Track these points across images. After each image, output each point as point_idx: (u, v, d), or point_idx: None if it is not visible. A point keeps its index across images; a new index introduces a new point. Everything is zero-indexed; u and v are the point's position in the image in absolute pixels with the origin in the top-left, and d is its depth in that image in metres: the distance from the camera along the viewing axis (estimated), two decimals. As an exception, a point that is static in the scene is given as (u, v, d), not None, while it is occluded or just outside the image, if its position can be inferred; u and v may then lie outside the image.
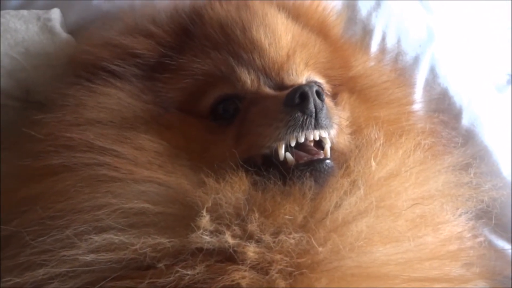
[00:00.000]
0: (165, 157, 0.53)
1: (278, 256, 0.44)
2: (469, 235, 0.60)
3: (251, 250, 0.45)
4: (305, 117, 0.51)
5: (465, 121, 0.81)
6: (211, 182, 0.49)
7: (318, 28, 0.68)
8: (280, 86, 0.58)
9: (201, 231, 0.45)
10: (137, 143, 0.53)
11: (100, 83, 0.59)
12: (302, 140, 0.52)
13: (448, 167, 0.59)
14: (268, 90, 0.57)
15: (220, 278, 0.43)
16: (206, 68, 0.59)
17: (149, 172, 0.51)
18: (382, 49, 0.81)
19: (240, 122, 0.56)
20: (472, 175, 0.60)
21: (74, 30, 0.70)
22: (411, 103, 0.74)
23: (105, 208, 0.47)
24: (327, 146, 0.53)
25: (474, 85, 0.87)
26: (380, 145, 0.55)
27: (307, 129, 0.51)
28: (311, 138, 0.52)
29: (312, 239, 0.45)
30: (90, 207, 0.48)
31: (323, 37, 0.68)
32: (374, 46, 0.81)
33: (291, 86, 0.57)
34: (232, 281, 0.43)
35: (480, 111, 0.83)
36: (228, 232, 0.45)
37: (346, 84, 0.66)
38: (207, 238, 0.45)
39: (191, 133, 0.57)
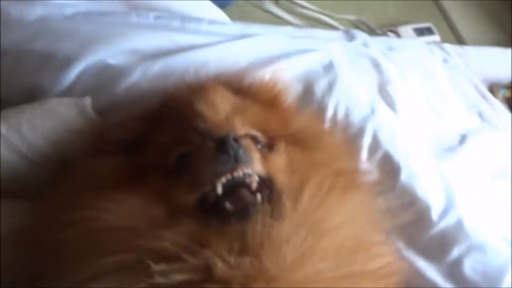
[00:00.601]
0: (137, 209, 0.66)
1: (238, 276, 0.55)
2: (394, 255, 0.70)
3: (219, 269, 0.55)
4: (226, 156, 0.65)
5: (403, 176, 0.98)
6: (160, 230, 0.59)
7: (265, 101, 0.87)
8: None
9: (156, 275, 0.54)
10: (118, 199, 0.67)
11: (97, 158, 0.78)
12: (229, 177, 0.65)
13: (369, 196, 0.73)
14: (209, 143, 0.71)
15: None
16: (168, 137, 0.76)
17: (125, 221, 0.62)
18: (334, 122, 1.02)
19: (190, 170, 0.68)
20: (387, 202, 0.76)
21: (101, 112, 0.92)
22: (344, 149, 0.91)
23: (97, 263, 0.58)
24: (258, 197, 0.67)
25: (412, 145, 1.05)
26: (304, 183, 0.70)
27: (228, 164, 0.65)
28: (236, 175, 0.65)
29: (261, 259, 0.57)
30: (88, 259, 0.60)
31: (267, 105, 0.85)
32: (328, 120, 1.02)
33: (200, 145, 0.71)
34: None
35: (416, 167, 1.01)
36: (176, 271, 0.55)
37: (285, 138, 0.81)
38: (162, 280, 0.54)
39: (158, 186, 0.68)
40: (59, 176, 0.83)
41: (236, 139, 0.68)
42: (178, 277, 0.55)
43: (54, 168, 0.88)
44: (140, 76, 0.96)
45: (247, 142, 0.72)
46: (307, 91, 1.05)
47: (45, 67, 0.96)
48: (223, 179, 0.66)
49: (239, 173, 0.67)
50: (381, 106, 1.10)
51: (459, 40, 2.54)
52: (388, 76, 1.25)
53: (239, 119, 0.77)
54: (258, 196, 0.67)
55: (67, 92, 0.96)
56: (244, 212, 0.64)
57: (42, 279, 0.63)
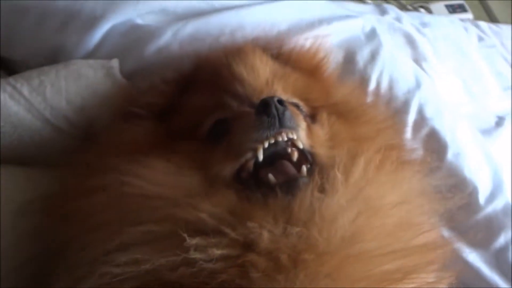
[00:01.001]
0: (171, 176, 0.62)
1: (285, 246, 0.52)
2: (442, 241, 0.69)
3: (264, 240, 0.52)
4: (270, 119, 0.60)
5: (450, 155, 0.92)
6: (196, 200, 0.56)
7: (306, 69, 0.81)
8: None
9: (191, 250, 0.51)
10: (151, 165, 0.63)
11: (128, 122, 0.74)
12: (272, 141, 0.60)
13: (418, 175, 0.68)
14: (248, 108, 0.67)
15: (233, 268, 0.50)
16: (203, 101, 0.72)
17: (157, 188, 0.59)
18: (377, 94, 0.95)
19: (227, 137, 0.65)
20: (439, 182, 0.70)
21: (130, 76, 0.86)
22: (390, 124, 0.84)
23: (126, 232, 0.54)
24: (303, 169, 0.62)
25: (458, 123, 0.99)
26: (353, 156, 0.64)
27: (273, 129, 0.60)
28: (280, 139, 0.60)
29: (310, 231, 0.53)
30: (116, 227, 0.56)
31: (308, 74, 0.80)
32: (370, 92, 0.95)
33: (240, 111, 0.67)
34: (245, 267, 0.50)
35: (462, 146, 0.95)
36: (214, 246, 0.52)
37: (327, 109, 0.76)
38: (198, 255, 0.51)
39: (192, 154, 0.65)
40: (85, 143, 0.78)
41: (281, 101, 0.63)
42: (216, 252, 0.52)
43: (79, 135, 0.82)
44: (171, 38, 0.89)
45: (292, 108, 0.66)
46: (349, 60, 0.98)
47: (69, 26, 0.89)
48: (266, 144, 0.61)
49: (283, 137, 0.62)
50: (427, 80, 1.02)
51: (492, 19, 2.42)
52: (423, 53, 1.18)
53: (280, 85, 0.72)
54: (304, 168, 0.62)
55: (93, 55, 0.89)
56: (290, 185, 0.59)
57: (66, 249, 0.60)
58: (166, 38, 0.89)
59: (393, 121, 0.88)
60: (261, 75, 0.72)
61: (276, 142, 0.61)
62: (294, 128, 0.62)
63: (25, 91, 0.78)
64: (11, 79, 0.79)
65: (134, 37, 0.90)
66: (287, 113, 0.62)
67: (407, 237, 0.59)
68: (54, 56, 0.90)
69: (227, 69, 0.73)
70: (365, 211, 0.58)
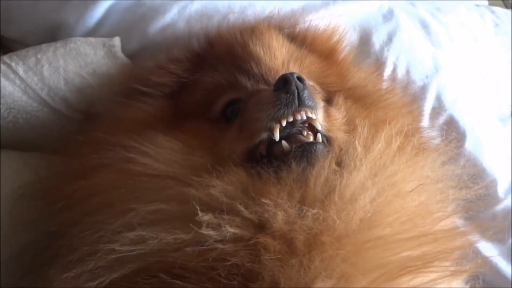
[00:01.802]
0: (179, 154, 0.60)
1: (300, 228, 0.49)
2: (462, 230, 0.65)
3: (279, 221, 0.49)
4: (288, 96, 0.57)
5: (468, 144, 0.88)
6: (207, 178, 0.53)
7: (322, 51, 0.78)
8: None
9: (203, 226, 0.49)
10: (158, 142, 0.60)
11: (134, 100, 0.70)
12: (290, 119, 0.57)
13: (438, 161, 0.65)
14: (265, 87, 0.64)
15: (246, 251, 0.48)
16: (215, 80, 0.70)
17: (165, 167, 0.57)
18: (393, 79, 0.90)
19: (241, 116, 0.62)
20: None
21: (131, 56, 0.82)
22: (408, 110, 0.81)
23: (132, 211, 0.52)
24: (319, 136, 0.59)
25: (477, 112, 0.95)
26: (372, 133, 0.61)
27: (291, 106, 0.57)
28: (299, 117, 0.57)
29: (328, 212, 0.50)
30: (121, 207, 0.53)
31: (324, 56, 0.77)
32: (386, 76, 0.90)
33: (258, 89, 0.65)
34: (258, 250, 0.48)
35: (481, 136, 0.90)
36: (227, 223, 0.49)
37: (342, 92, 0.73)
38: (211, 232, 0.49)
39: (203, 133, 0.64)
40: (85, 124, 0.73)
41: (300, 79, 0.59)
42: (229, 230, 0.49)
43: (79, 118, 0.77)
44: (177, 16, 0.84)
45: (310, 87, 0.62)
46: (364, 41, 0.93)
47: (69, 2, 0.84)
48: (283, 122, 0.57)
49: (302, 116, 0.58)
50: (445, 65, 0.96)
51: (507, 4, 2.35)
52: (437, 38, 1.12)
53: (296, 67, 0.69)
54: (319, 135, 0.59)
55: (94, 32, 0.84)
56: (305, 150, 0.56)
57: (67, 232, 0.56)
58: (171, 15, 0.84)
59: (411, 107, 0.84)
60: (278, 56, 0.69)
61: (294, 121, 0.58)
62: (313, 108, 0.59)
63: (21, 70, 0.74)
64: (5, 57, 0.75)
65: (137, 14, 0.84)
66: (307, 91, 0.58)
67: (427, 222, 0.56)
68: (53, 34, 0.85)
69: (242, 48, 0.70)
70: (385, 191, 0.54)
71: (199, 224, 0.49)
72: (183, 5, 0.85)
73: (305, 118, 0.58)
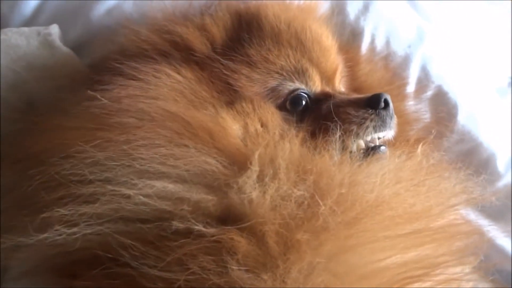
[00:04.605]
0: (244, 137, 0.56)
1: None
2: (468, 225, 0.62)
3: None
4: (388, 118, 0.62)
5: (461, 117, 0.81)
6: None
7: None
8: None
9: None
10: (217, 120, 0.55)
11: (165, 65, 0.60)
12: (382, 136, 0.63)
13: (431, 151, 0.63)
14: (342, 94, 0.67)
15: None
16: (282, 63, 0.64)
17: (223, 141, 0.52)
18: (372, 51, 0.82)
19: (317, 119, 0.62)
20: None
21: (76, 46, 0.73)
22: (403, 98, 0.79)
23: (179, 158, 0.48)
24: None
25: (468, 82, 0.87)
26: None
27: (389, 128, 0.63)
28: (384, 136, 0.63)
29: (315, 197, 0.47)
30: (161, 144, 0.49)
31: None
32: (364, 49, 0.82)
33: (338, 93, 0.67)
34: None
35: (475, 107, 0.83)
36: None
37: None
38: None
39: (267, 120, 0.60)
40: (28, 126, 0.62)
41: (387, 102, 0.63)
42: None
43: (20, 118, 0.68)
44: (123, -6, 0.76)
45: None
46: (338, 11, 0.83)
47: (1, -11, 0.76)
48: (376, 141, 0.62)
49: (387, 136, 0.64)
50: (431, 33, 0.88)
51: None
52: (425, 11, 1.03)
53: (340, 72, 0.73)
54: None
55: (32, 22, 0.76)
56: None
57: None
58: (116, -6, 0.75)
59: (393, 83, 0.79)
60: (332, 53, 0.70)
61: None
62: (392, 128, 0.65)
63: None
64: None
65: (78, -4, 0.76)
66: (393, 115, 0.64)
67: (427, 218, 0.52)
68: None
69: (311, 35, 0.67)
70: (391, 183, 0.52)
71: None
72: (129, -18, 0.76)
73: (382, 136, 0.63)
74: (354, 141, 0.60)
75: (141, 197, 0.45)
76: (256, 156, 0.48)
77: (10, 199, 0.53)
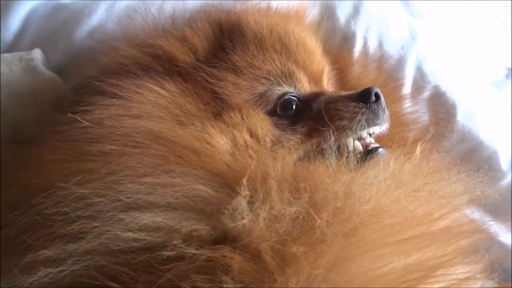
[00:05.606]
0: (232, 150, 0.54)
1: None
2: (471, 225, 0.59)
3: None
4: (381, 111, 0.60)
5: (460, 116, 0.79)
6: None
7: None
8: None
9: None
10: (203, 137, 0.53)
11: (147, 79, 0.59)
12: (376, 132, 0.62)
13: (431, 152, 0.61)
14: (331, 92, 0.65)
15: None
16: (268, 67, 0.62)
17: (211, 160, 0.51)
18: (364, 54, 0.80)
19: (310, 119, 0.61)
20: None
21: (59, 69, 0.71)
22: (399, 99, 0.76)
23: (167, 186, 0.46)
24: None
25: (465, 79, 0.85)
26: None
27: (383, 121, 0.61)
28: (378, 131, 0.62)
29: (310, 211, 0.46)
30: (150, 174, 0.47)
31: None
32: (357, 53, 0.80)
33: (324, 93, 0.64)
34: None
35: (474, 105, 0.81)
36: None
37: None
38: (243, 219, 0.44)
39: (256, 129, 0.58)
40: (12, 158, 0.60)
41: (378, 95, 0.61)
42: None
43: (5, 147, 0.66)
44: (106, 15, 0.73)
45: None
46: (328, 16, 0.82)
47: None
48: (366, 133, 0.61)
49: (381, 129, 0.63)
50: (424, 32, 0.86)
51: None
52: (417, 8, 1.01)
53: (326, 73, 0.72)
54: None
55: (14, 47, 0.73)
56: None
57: None
58: (99, 15, 0.73)
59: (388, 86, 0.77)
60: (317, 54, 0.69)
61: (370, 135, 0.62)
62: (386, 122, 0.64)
63: None
64: None
65: (59, 19, 0.74)
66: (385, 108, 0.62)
67: (428, 223, 0.50)
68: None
69: (295, 39, 0.65)
70: (390, 189, 0.50)
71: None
72: (110, 4, 0.74)
73: (374, 132, 0.62)
74: (348, 136, 0.59)
75: (129, 233, 0.43)
76: (245, 181, 0.46)
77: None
